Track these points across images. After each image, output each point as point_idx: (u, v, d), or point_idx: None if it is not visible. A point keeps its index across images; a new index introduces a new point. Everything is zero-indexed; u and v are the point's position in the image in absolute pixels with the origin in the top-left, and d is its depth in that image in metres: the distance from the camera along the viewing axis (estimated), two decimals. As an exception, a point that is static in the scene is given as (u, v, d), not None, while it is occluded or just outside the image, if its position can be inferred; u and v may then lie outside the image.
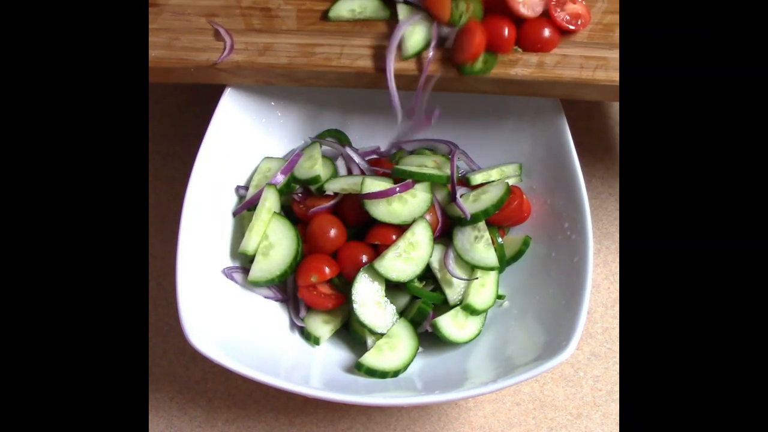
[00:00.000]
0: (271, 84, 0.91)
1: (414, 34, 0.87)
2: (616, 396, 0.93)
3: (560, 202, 0.90)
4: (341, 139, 1.00)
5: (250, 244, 0.88)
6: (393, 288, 0.89)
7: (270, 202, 0.90)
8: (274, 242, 0.89)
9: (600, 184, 1.05)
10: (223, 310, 0.86)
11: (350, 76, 0.88)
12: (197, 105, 1.12)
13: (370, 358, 0.84)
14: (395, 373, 0.85)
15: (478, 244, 0.89)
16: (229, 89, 0.92)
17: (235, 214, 0.93)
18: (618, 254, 0.99)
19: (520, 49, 0.86)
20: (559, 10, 0.86)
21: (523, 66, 0.86)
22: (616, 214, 1.03)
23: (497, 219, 0.91)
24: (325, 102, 0.99)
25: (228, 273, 0.90)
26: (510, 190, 0.90)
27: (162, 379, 0.95)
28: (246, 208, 0.92)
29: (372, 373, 0.84)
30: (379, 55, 0.87)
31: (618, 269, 0.99)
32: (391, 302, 0.88)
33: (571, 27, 0.86)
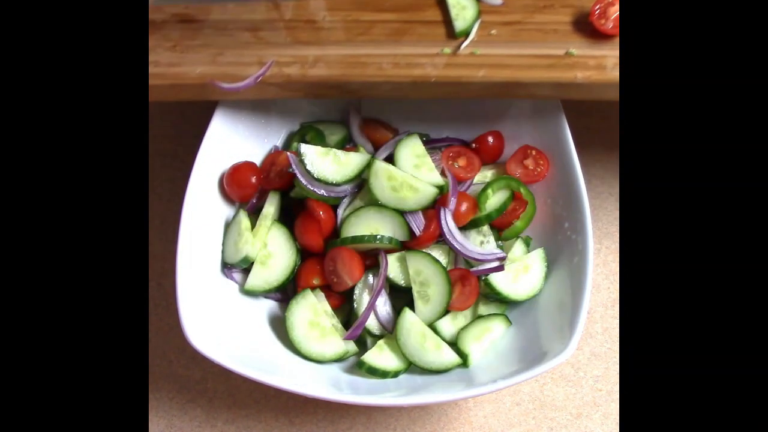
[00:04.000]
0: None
1: (466, 9, 0.88)
2: (616, 396, 0.93)
3: (560, 202, 0.90)
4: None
5: (251, 250, 0.88)
6: (394, 289, 0.89)
7: (272, 208, 0.90)
8: (273, 252, 0.89)
9: (600, 184, 1.05)
10: (223, 310, 0.86)
11: (406, 85, 0.86)
12: (197, 106, 1.11)
13: (371, 357, 0.84)
14: (396, 374, 0.85)
15: (484, 249, 0.89)
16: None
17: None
18: (618, 254, 0.99)
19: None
20: (603, 20, 0.85)
21: (582, 69, 0.84)
22: (616, 214, 1.03)
23: (500, 222, 0.92)
24: (324, 101, 0.99)
25: (228, 273, 0.90)
26: (513, 196, 0.91)
27: (162, 379, 0.95)
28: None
29: (373, 372, 0.83)
30: (435, 62, 0.86)
31: (618, 269, 0.99)
32: (392, 303, 0.88)
33: (618, 30, 0.85)
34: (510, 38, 0.87)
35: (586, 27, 0.87)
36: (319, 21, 0.90)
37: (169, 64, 0.87)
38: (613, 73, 0.83)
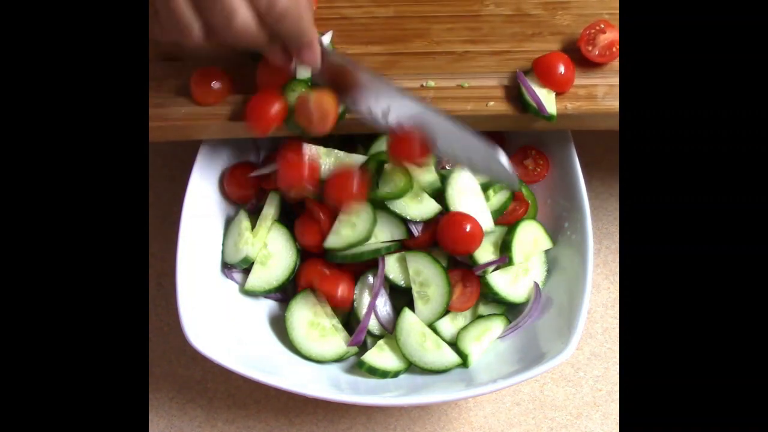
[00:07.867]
0: None
1: None
2: (616, 396, 0.93)
3: (560, 202, 0.90)
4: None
5: (251, 250, 0.88)
6: (394, 289, 0.89)
7: (272, 209, 0.90)
8: (273, 252, 0.89)
9: (600, 184, 1.05)
10: (223, 309, 0.86)
11: None
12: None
13: (371, 357, 0.84)
14: (396, 374, 0.85)
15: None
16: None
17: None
18: (618, 254, 0.99)
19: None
20: (590, 47, 0.84)
21: (572, 99, 0.83)
22: (616, 214, 1.03)
23: (500, 222, 0.91)
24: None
25: (228, 273, 0.90)
26: (513, 197, 0.91)
27: (162, 379, 0.95)
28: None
29: (373, 372, 0.84)
30: (422, 96, 0.84)
31: (618, 269, 0.99)
32: (392, 303, 0.88)
33: (605, 58, 0.84)
34: (498, 68, 0.86)
35: (575, 55, 0.85)
36: None
37: (154, 105, 0.84)
38: (605, 103, 0.83)
